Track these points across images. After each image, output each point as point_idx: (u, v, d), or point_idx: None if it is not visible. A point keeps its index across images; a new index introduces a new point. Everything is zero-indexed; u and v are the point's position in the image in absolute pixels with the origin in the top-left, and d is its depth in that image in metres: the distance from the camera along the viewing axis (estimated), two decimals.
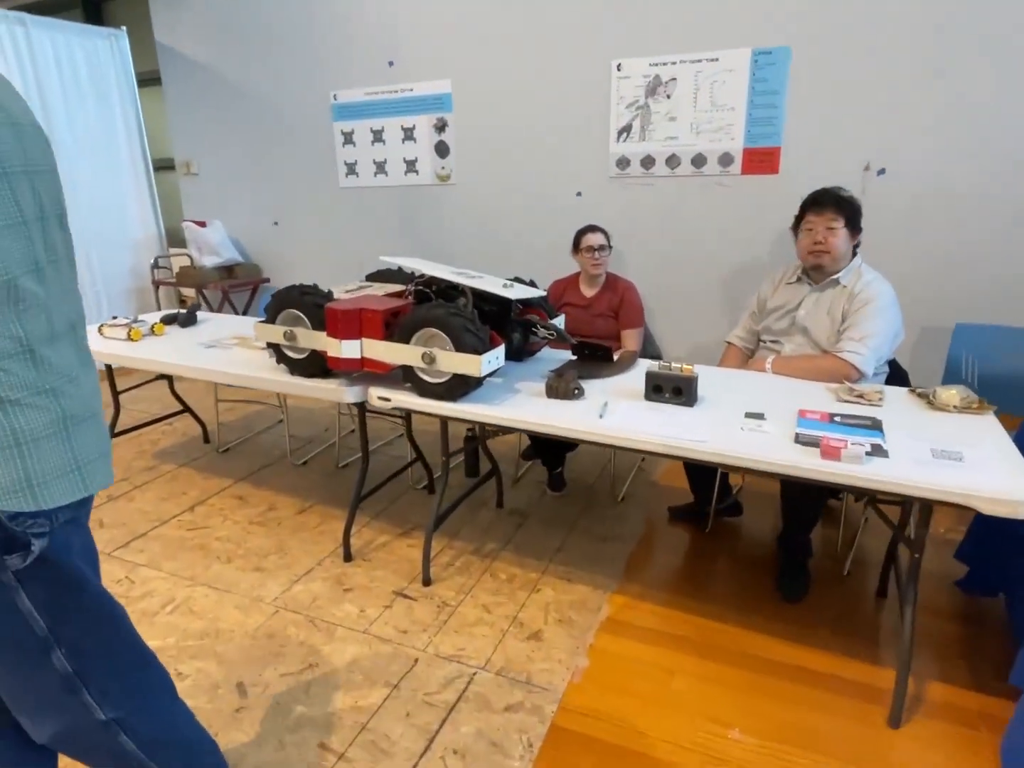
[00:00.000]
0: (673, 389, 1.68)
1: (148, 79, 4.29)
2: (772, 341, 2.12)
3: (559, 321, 2.05)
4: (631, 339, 2.53)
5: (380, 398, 1.81)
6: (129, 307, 4.20)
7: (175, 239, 4.41)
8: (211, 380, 2.15)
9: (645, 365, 1.94)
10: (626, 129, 3.12)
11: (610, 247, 2.54)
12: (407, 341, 1.71)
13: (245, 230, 4.26)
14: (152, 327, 2.49)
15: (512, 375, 1.94)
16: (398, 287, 2.13)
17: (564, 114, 3.23)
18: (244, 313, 4.29)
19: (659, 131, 3.07)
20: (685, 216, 3.12)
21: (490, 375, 1.72)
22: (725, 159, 2.98)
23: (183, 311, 2.70)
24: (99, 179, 3.97)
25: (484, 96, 3.38)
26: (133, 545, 2.25)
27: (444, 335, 1.66)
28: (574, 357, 2.02)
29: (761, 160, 2.93)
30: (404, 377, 1.77)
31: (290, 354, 1.94)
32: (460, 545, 2.22)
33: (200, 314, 2.83)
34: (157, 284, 4.18)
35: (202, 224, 4.05)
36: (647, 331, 2.69)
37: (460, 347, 1.64)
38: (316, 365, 1.89)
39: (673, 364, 1.71)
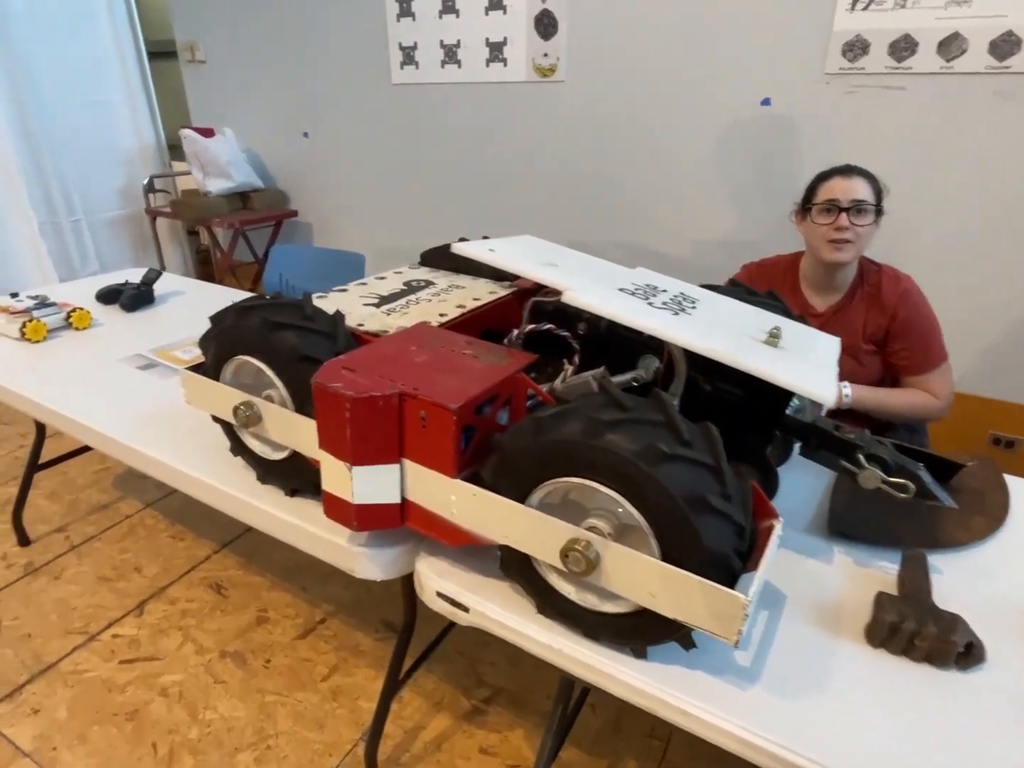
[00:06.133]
0: None
1: None
2: None
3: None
4: (934, 385, 1.36)
5: (444, 596, 0.76)
6: (120, 245, 3.24)
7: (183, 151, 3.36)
8: (110, 454, 1.13)
9: None
10: None
11: (879, 210, 1.34)
12: (522, 494, 0.64)
13: (266, 143, 3.16)
14: (69, 316, 1.49)
15: None
16: (490, 287, 1.04)
17: None
18: (263, 259, 3.26)
19: None
20: (967, 148, 1.84)
21: None
22: None
23: (131, 285, 1.68)
24: (73, 70, 2.92)
25: None
26: (27, 691, 1.35)
27: (633, 511, 0.58)
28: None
29: None
30: (505, 566, 0.71)
31: (254, 446, 0.90)
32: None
33: (170, 281, 1.82)
34: (153, 214, 3.17)
35: (207, 133, 2.97)
36: None
37: (683, 551, 0.57)
38: (305, 476, 0.85)
39: None
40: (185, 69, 3.26)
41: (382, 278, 1.10)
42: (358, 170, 2.93)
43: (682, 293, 0.82)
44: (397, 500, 0.73)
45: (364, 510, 0.72)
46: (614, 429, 0.57)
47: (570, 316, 0.79)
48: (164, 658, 1.43)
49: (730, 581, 0.57)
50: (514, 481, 0.65)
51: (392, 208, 2.90)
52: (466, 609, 0.73)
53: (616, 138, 2.31)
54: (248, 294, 1.87)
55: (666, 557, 0.58)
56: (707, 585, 0.55)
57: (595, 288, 0.73)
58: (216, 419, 0.92)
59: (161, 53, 3.42)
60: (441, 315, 0.93)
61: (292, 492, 0.90)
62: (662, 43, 2.13)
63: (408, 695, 1.35)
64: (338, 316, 0.83)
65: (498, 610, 0.72)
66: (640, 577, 0.59)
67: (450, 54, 2.52)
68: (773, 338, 0.70)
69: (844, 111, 1.95)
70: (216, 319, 0.85)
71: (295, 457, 0.84)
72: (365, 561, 0.81)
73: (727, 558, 0.56)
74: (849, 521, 0.85)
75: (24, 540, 1.77)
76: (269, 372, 0.81)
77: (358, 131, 2.86)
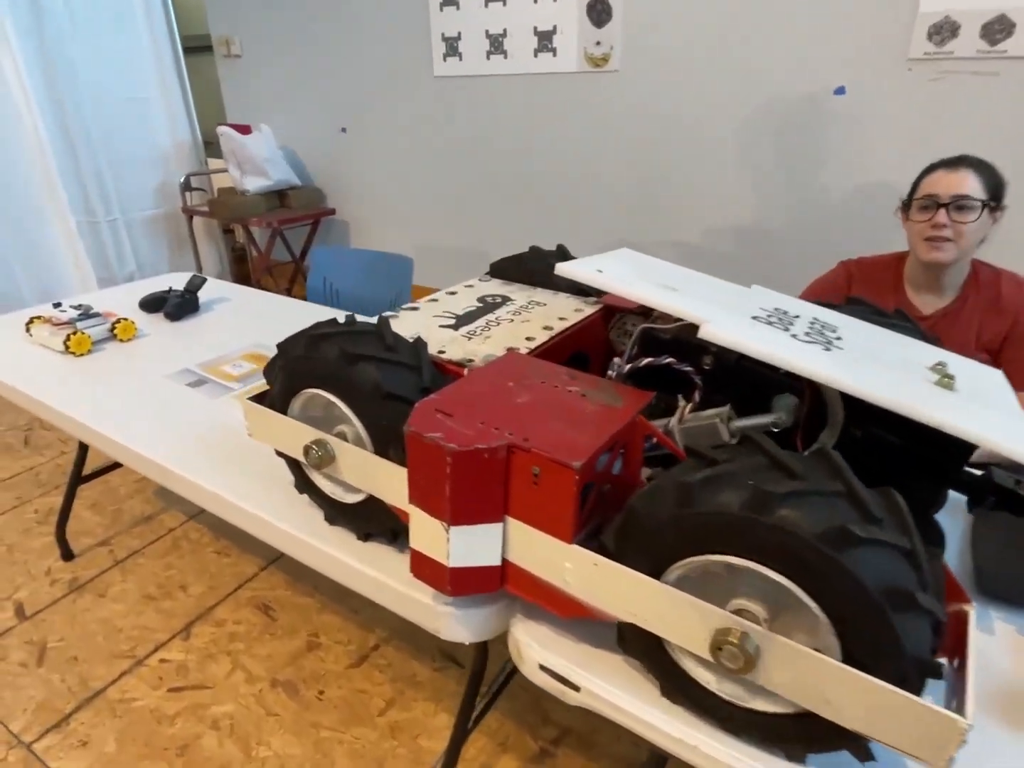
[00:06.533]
0: None
1: None
2: None
3: None
4: None
5: (548, 670, 0.66)
6: (156, 244, 3.19)
7: (219, 148, 3.29)
8: (163, 484, 1.06)
9: None
10: None
11: (995, 206, 1.22)
12: (657, 568, 0.54)
13: (303, 139, 3.09)
14: (113, 327, 1.42)
15: None
16: (573, 303, 0.94)
17: None
18: (300, 258, 3.20)
19: None
20: None
21: None
22: None
23: (175, 292, 1.61)
24: (108, 65, 2.87)
25: None
26: (75, 721, 1.30)
27: (809, 601, 0.48)
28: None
29: None
30: (624, 643, 0.62)
31: (323, 486, 0.82)
32: None
33: (214, 287, 1.74)
34: (189, 213, 3.13)
35: (244, 129, 2.90)
36: None
37: (873, 653, 0.46)
38: (382, 520, 0.76)
39: None
40: (220, 64, 3.20)
41: (453, 293, 1.00)
42: (398, 167, 2.84)
43: (815, 318, 0.71)
44: (497, 562, 0.63)
45: (460, 573, 0.63)
46: (787, 503, 0.47)
47: (690, 347, 0.69)
48: (214, 686, 1.37)
49: (920, 686, 0.47)
50: (648, 553, 0.55)
51: (434, 206, 2.81)
52: (576, 688, 0.64)
53: (675, 131, 2.19)
54: (291, 299, 1.79)
55: (849, 658, 0.47)
56: (914, 703, 0.44)
57: (732, 319, 0.62)
58: (280, 453, 0.84)
59: (196, 48, 3.36)
60: (528, 339, 0.83)
61: (365, 537, 0.81)
62: (725, 29, 2.00)
63: (471, 734, 1.26)
64: (420, 345, 0.73)
65: (615, 692, 0.62)
66: (814, 680, 0.48)
67: (496, 44, 2.41)
68: (946, 379, 0.59)
69: (929, 100, 1.81)
70: (284, 348, 0.77)
71: (371, 501, 0.75)
72: (452, 622, 0.71)
73: (926, 662, 0.46)
74: (1003, 581, 0.73)
75: (68, 554, 1.72)
76: (345, 408, 0.72)
77: (398, 126, 2.77)
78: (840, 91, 1.92)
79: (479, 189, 2.67)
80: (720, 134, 2.12)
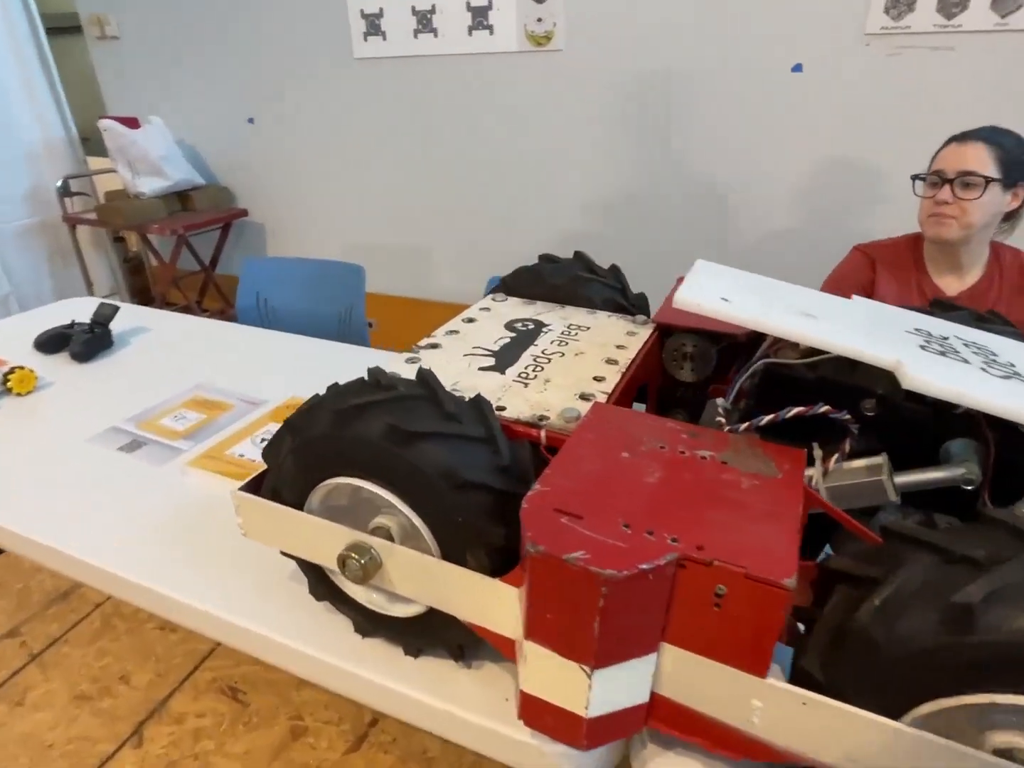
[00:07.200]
0: None
1: None
2: None
3: None
4: None
5: None
6: (33, 259, 2.74)
7: (102, 145, 2.85)
8: (108, 592, 0.82)
9: None
10: None
11: (1007, 183, 1.18)
12: (896, 708, 0.41)
13: (202, 131, 2.74)
14: (7, 378, 1.13)
15: None
16: (619, 323, 0.79)
17: None
18: (211, 266, 2.85)
19: None
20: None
21: None
22: None
23: (80, 325, 1.31)
24: None
25: None
26: None
27: None
28: None
29: None
30: None
31: (357, 594, 0.63)
32: None
33: (128, 315, 1.45)
34: (72, 221, 2.70)
35: (131, 123, 2.52)
36: None
37: None
38: (446, 636, 0.59)
39: None
40: (93, 47, 2.77)
41: (471, 320, 0.82)
42: (318, 160, 2.56)
43: (958, 337, 0.59)
44: (645, 700, 0.48)
45: (599, 722, 0.47)
46: None
47: (831, 385, 0.55)
48: None
49: None
50: (887, 689, 0.41)
51: (362, 202, 2.55)
52: None
53: (623, 116, 2.07)
54: (227, 323, 1.51)
55: None
56: None
57: (920, 358, 0.49)
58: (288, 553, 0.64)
59: (61, 28, 2.90)
60: (597, 379, 0.67)
61: (417, 652, 0.63)
62: (676, 4, 1.89)
63: None
64: (486, 407, 0.56)
65: None
66: None
67: (424, 21, 2.19)
68: None
69: (886, 76, 1.77)
70: (295, 425, 0.57)
71: (432, 614, 0.58)
72: (563, 763, 0.55)
73: None
74: None
75: None
76: (392, 498, 0.54)
77: (315, 115, 2.49)
78: (797, 68, 1.86)
79: (413, 180, 2.45)
80: (674, 117, 2.02)
